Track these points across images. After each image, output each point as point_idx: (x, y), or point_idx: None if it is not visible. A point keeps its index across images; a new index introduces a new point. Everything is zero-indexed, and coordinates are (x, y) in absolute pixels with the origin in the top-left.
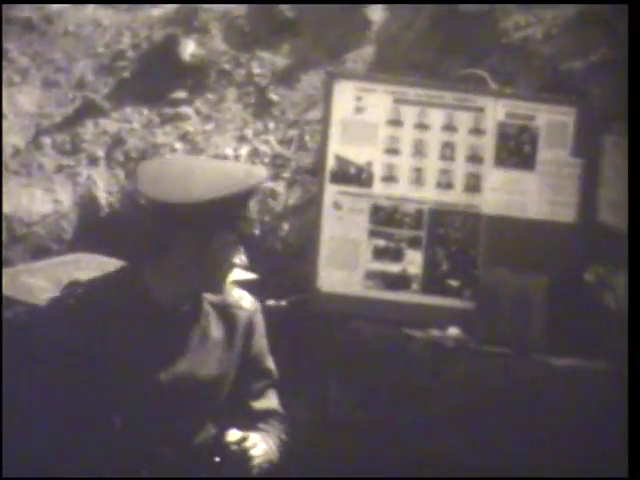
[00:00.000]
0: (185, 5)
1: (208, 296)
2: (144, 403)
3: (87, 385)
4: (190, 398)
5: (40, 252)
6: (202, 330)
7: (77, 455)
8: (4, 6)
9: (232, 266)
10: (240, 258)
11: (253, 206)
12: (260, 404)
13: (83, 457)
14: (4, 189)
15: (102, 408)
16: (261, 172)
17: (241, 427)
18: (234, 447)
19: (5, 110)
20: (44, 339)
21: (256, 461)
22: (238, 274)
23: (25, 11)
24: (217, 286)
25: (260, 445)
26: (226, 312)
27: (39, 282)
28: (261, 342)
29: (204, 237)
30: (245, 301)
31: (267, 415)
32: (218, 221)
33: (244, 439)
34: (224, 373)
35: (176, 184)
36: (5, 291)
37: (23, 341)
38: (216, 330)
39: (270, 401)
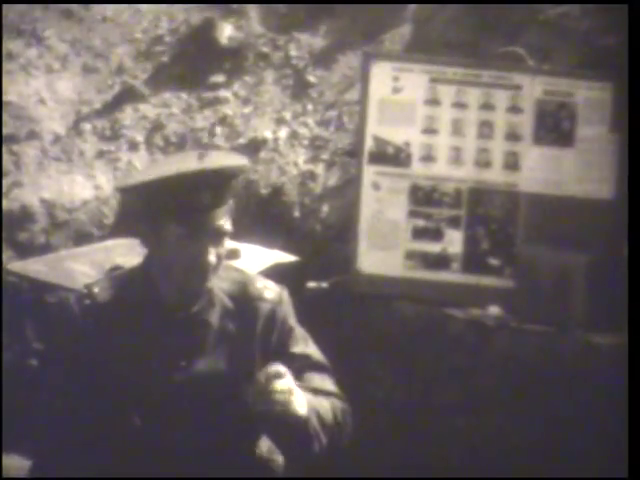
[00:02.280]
0: None
1: (226, 289)
2: (161, 402)
3: (104, 385)
4: (206, 395)
5: (82, 238)
6: (217, 327)
7: (96, 453)
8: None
9: (204, 263)
10: (217, 253)
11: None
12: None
13: (102, 455)
14: (45, 175)
15: (120, 407)
16: (225, 159)
17: None
18: (261, 377)
19: (45, 97)
20: (62, 339)
21: (278, 397)
22: (279, 257)
23: None
24: (193, 283)
25: (290, 384)
26: (246, 305)
27: (81, 267)
28: (285, 332)
29: (157, 230)
30: (268, 292)
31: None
32: (166, 212)
33: (278, 374)
34: (242, 368)
35: (135, 173)
36: (48, 277)
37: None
38: (233, 325)
39: (309, 382)
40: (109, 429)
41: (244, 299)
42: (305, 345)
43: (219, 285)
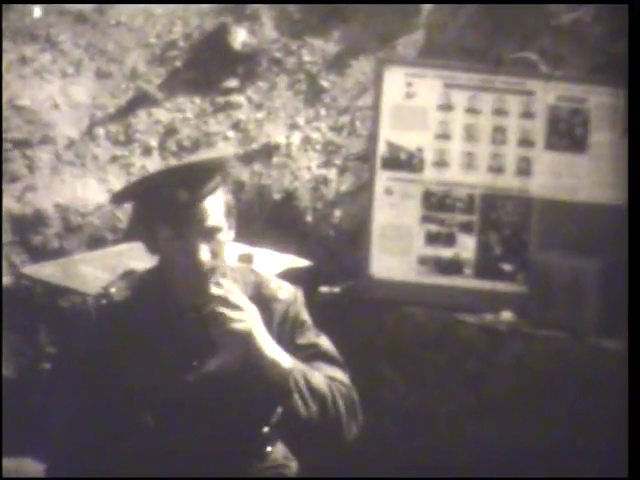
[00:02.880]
0: None
1: (240, 290)
2: (174, 403)
3: (119, 385)
4: (218, 395)
5: (95, 242)
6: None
7: (112, 453)
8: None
9: (196, 261)
10: (211, 250)
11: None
12: None
13: (116, 455)
14: (59, 180)
15: (135, 407)
16: (205, 155)
17: None
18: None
19: (59, 101)
20: (79, 339)
21: (228, 325)
22: (292, 262)
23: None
24: (192, 282)
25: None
26: (260, 306)
27: (95, 271)
28: (296, 327)
29: (150, 233)
30: (282, 292)
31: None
32: (153, 213)
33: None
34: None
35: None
36: (61, 281)
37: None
38: None
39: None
40: (123, 429)
41: (259, 300)
42: (315, 337)
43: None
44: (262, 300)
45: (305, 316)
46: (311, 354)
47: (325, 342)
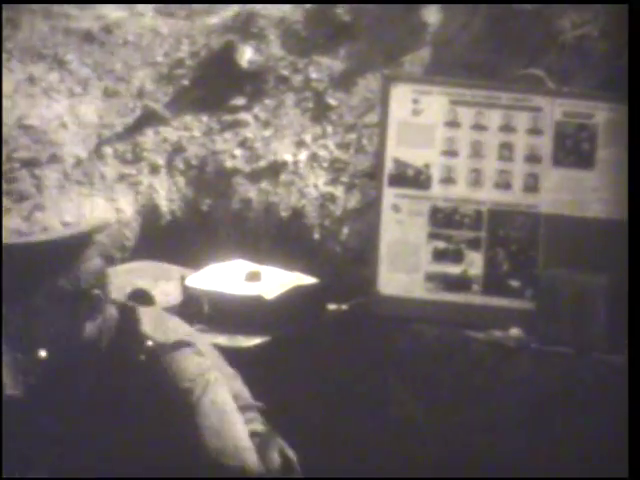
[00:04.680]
0: (242, 12)
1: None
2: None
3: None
4: None
5: (103, 260)
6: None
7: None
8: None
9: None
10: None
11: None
12: None
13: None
14: (67, 198)
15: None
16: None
17: None
18: None
19: (67, 120)
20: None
21: None
22: (299, 279)
23: (84, 22)
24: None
25: None
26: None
27: None
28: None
29: None
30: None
31: None
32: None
33: None
34: None
35: None
36: None
37: None
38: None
39: None
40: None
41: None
42: None
43: None
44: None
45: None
46: None
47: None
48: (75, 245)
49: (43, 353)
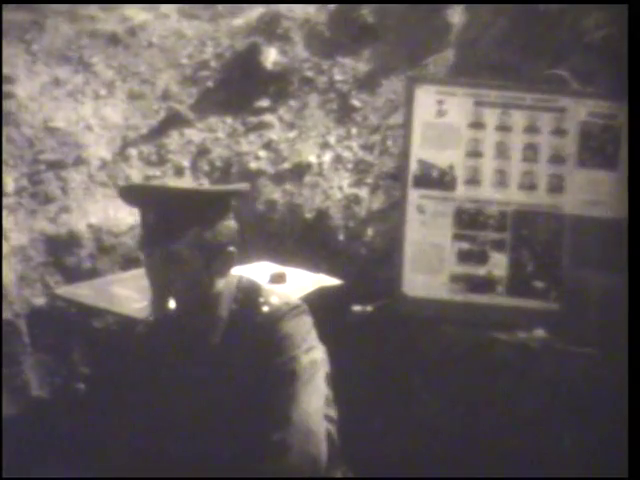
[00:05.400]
0: (266, 14)
1: (229, 307)
2: (181, 425)
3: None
4: (218, 417)
5: (128, 262)
6: (219, 349)
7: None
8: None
9: (156, 288)
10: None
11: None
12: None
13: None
14: (92, 200)
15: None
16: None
17: None
18: None
19: (92, 123)
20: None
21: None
22: (324, 281)
23: (109, 24)
24: (154, 307)
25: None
26: (241, 318)
27: (127, 292)
28: (276, 346)
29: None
30: (267, 306)
31: None
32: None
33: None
34: (239, 384)
35: None
36: (94, 301)
37: (114, 350)
38: (233, 344)
39: None
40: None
41: (240, 312)
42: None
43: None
44: (244, 313)
45: (286, 332)
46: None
47: (303, 360)
48: (227, 201)
49: (172, 304)
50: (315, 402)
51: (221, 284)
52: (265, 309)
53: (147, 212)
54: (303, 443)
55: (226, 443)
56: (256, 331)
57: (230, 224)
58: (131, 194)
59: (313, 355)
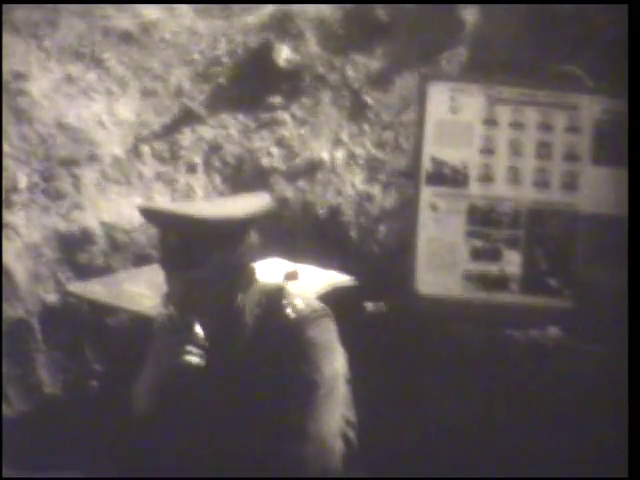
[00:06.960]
0: (279, 11)
1: (253, 313)
2: (200, 430)
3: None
4: (237, 421)
5: (140, 259)
6: (244, 355)
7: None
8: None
9: (183, 303)
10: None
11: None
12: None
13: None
14: (104, 198)
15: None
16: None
17: None
18: None
19: (105, 120)
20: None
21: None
22: (336, 278)
23: (122, 21)
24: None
25: None
26: (266, 324)
27: (140, 289)
28: (300, 353)
29: None
30: (290, 308)
31: None
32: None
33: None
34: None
35: None
36: (107, 298)
37: (127, 348)
38: (257, 349)
39: None
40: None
41: (264, 318)
42: (319, 373)
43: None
44: (268, 317)
45: (310, 338)
46: (314, 399)
47: (321, 379)
48: (248, 224)
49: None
50: (333, 416)
51: (244, 295)
52: (289, 312)
53: (167, 234)
54: (317, 458)
55: (243, 448)
56: (281, 335)
57: (252, 242)
58: (149, 217)
59: (335, 365)
